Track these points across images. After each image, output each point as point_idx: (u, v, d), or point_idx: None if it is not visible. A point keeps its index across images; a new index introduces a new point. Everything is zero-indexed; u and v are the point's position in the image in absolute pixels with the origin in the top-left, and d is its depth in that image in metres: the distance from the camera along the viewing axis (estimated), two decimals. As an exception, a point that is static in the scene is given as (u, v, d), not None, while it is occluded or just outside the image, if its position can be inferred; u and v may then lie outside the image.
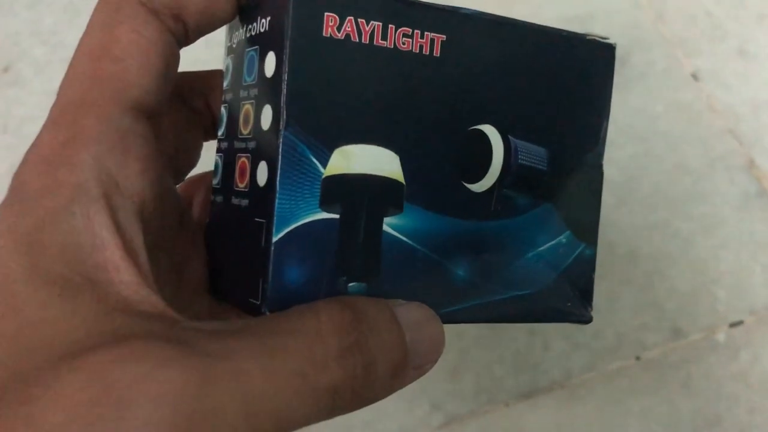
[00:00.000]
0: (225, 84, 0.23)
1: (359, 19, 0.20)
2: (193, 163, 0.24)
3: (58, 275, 0.17)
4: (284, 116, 0.19)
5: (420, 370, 0.20)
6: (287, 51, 0.19)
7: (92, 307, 0.16)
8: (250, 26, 0.21)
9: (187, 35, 0.20)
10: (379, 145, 0.20)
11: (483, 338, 0.40)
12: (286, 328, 0.18)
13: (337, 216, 0.20)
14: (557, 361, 0.40)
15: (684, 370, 0.40)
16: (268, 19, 0.20)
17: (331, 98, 0.19)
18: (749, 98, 0.44)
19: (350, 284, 0.20)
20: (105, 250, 0.17)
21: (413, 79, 0.20)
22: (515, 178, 0.22)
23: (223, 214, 0.22)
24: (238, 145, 0.21)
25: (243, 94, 0.21)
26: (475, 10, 0.21)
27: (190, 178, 0.25)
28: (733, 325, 0.41)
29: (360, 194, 0.20)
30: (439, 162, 0.21)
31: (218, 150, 0.23)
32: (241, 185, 0.21)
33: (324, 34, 0.19)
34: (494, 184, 0.22)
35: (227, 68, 0.23)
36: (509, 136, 0.22)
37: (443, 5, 0.21)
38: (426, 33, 0.20)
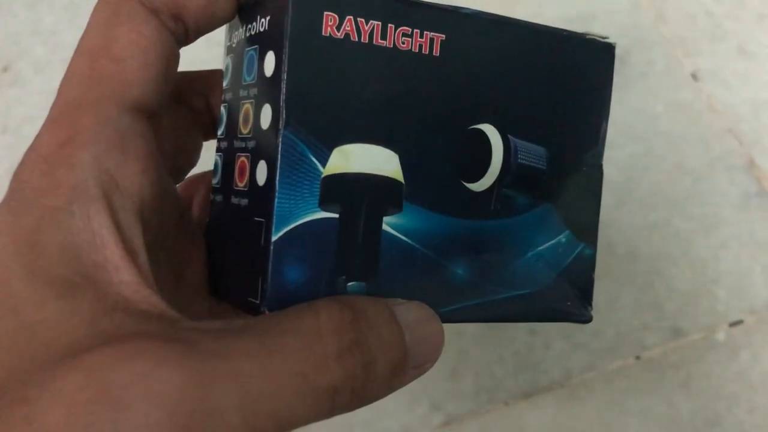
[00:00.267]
0: (225, 83, 0.23)
1: (359, 19, 0.20)
2: (192, 163, 0.24)
3: (57, 275, 0.17)
4: (284, 115, 0.19)
5: (419, 370, 0.20)
6: (286, 50, 0.19)
7: (91, 306, 0.16)
8: (249, 26, 0.21)
9: (187, 35, 0.20)
10: (378, 144, 0.20)
11: (483, 338, 0.40)
12: (286, 328, 0.18)
13: (336, 215, 0.20)
14: (557, 360, 0.40)
15: (684, 369, 0.40)
16: (268, 18, 0.20)
17: (331, 97, 0.19)
18: (749, 98, 0.44)
19: (349, 284, 0.20)
20: (104, 249, 0.17)
21: (413, 79, 0.20)
22: (515, 178, 0.22)
23: (222, 214, 0.22)
24: (237, 144, 0.21)
25: (243, 93, 0.21)
26: (474, 10, 0.21)
27: (190, 177, 0.25)
28: (733, 324, 0.41)
29: (359, 193, 0.20)
30: (439, 161, 0.21)
31: (218, 149, 0.23)
32: (241, 184, 0.21)
33: (323, 34, 0.19)
34: (494, 184, 0.21)
35: (227, 68, 0.23)
36: (509, 136, 0.22)
37: (443, 5, 0.21)
38: (426, 32, 0.20)
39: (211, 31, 0.21)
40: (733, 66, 0.45)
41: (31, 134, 0.19)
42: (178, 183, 0.24)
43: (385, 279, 0.20)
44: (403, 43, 0.20)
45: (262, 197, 0.20)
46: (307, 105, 0.19)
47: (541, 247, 0.22)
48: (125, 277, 0.17)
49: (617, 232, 0.42)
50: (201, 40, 0.22)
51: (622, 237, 0.42)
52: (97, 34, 0.19)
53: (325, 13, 0.19)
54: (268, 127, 0.20)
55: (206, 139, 0.24)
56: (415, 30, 0.20)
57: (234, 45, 0.22)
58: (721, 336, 0.40)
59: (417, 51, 0.20)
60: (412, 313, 0.20)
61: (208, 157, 0.24)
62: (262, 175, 0.20)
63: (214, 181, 0.23)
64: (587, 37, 0.23)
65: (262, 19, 0.20)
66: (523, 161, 0.22)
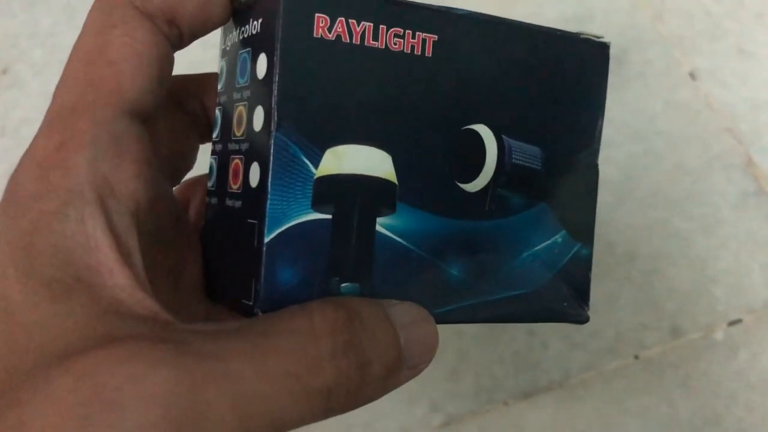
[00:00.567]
0: (219, 86, 0.23)
1: (350, 20, 0.20)
2: (189, 166, 0.24)
3: (51, 278, 0.17)
4: (275, 117, 0.19)
5: (414, 371, 0.20)
6: (278, 52, 0.19)
7: (85, 309, 0.16)
8: (243, 29, 0.21)
9: (182, 39, 0.20)
10: (371, 145, 0.20)
11: (482, 338, 0.40)
12: (279, 329, 0.18)
13: (329, 216, 0.20)
14: (556, 360, 0.40)
15: (683, 369, 0.40)
16: (260, 21, 0.20)
17: (323, 99, 0.19)
18: (747, 97, 0.44)
19: (343, 285, 0.20)
20: (99, 252, 0.17)
21: (405, 80, 0.20)
22: (509, 178, 0.22)
23: (217, 216, 0.22)
24: (231, 146, 0.21)
25: (236, 96, 0.21)
26: (467, 11, 0.21)
27: (187, 180, 0.25)
28: (731, 323, 0.41)
29: (352, 195, 0.20)
30: (433, 162, 0.21)
31: (213, 152, 0.23)
32: (235, 187, 0.21)
33: (315, 35, 0.19)
34: (488, 184, 0.21)
35: (221, 71, 0.23)
36: (503, 136, 0.22)
37: (435, 6, 0.21)
38: (418, 33, 0.20)
39: (206, 35, 0.21)
40: (731, 65, 0.45)
41: (29, 136, 0.19)
42: (174, 186, 0.24)
43: (379, 280, 0.20)
44: (395, 44, 0.20)
45: (254, 199, 0.20)
46: (299, 106, 0.19)
47: (536, 248, 0.22)
48: (119, 279, 0.17)
49: (616, 232, 0.42)
50: (198, 42, 0.22)
51: (621, 236, 0.42)
52: (91, 39, 0.19)
53: (317, 14, 0.19)
54: (260, 129, 0.20)
55: (202, 142, 0.25)
56: (407, 31, 0.20)
57: (228, 48, 0.22)
58: (719, 335, 0.40)
59: (409, 52, 0.20)
60: (406, 313, 0.20)
61: (204, 160, 0.24)
62: (254, 176, 0.20)
63: (209, 183, 0.23)
64: (581, 36, 0.23)
65: (255, 22, 0.21)
66: (518, 161, 0.22)
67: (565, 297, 0.23)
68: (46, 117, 0.19)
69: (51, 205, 0.17)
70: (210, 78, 0.24)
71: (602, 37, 0.23)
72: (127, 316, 0.17)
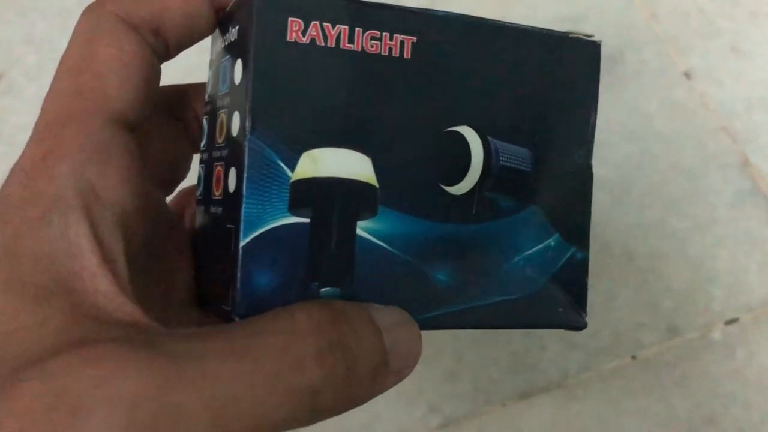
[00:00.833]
0: (206, 96, 0.23)
1: (324, 23, 0.20)
2: (182, 175, 0.24)
3: (32, 284, 0.17)
4: (249, 121, 0.19)
5: (399, 375, 0.20)
6: (251, 57, 0.19)
7: (64, 315, 0.16)
8: (224, 37, 0.21)
9: (168, 49, 0.21)
10: (350, 148, 0.20)
11: (479, 340, 0.40)
12: (258, 329, 0.18)
13: (307, 220, 0.20)
14: (554, 361, 0.40)
15: (680, 368, 0.40)
16: (237, 28, 0.20)
17: (298, 102, 0.19)
18: (742, 96, 0.44)
19: (322, 289, 0.20)
20: (81, 257, 0.17)
21: (384, 82, 0.20)
22: (497, 180, 0.21)
23: (204, 224, 0.22)
24: (215, 154, 0.21)
25: (219, 103, 0.21)
26: (448, 12, 0.21)
27: (183, 190, 0.25)
28: (728, 322, 0.41)
29: (330, 198, 0.20)
30: (415, 164, 0.21)
31: (200, 161, 0.23)
32: (217, 193, 0.21)
33: (288, 39, 0.19)
34: (474, 187, 0.21)
35: (209, 80, 0.23)
36: (489, 138, 0.21)
37: (413, 7, 0.21)
38: (395, 35, 0.20)
39: (192, 46, 0.21)
40: (726, 64, 0.45)
41: (25, 142, 0.19)
42: (169, 195, 0.24)
43: (361, 284, 0.20)
44: (372, 47, 0.20)
45: (232, 204, 0.20)
46: (274, 110, 0.19)
47: (528, 251, 0.22)
48: (101, 285, 0.17)
49: (613, 232, 0.42)
50: (195, 48, 0.22)
51: (617, 237, 0.42)
52: (78, 51, 0.19)
53: (290, 19, 0.19)
54: (237, 133, 0.20)
55: (195, 151, 0.25)
56: (384, 33, 0.20)
57: (214, 57, 0.23)
58: (717, 334, 0.40)
59: (387, 54, 0.20)
60: (389, 317, 0.20)
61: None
62: (232, 182, 0.20)
63: (198, 192, 0.23)
64: (570, 35, 0.22)
65: (233, 30, 0.21)
66: (506, 163, 0.21)
67: (560, 302, 0.22)
68: (35, 128, 0.19)
69: (35, 211, 0.17)
70: (202, 87, 0.24)
71: (593, 36, 0.23)
72: (105, 321, 0.17)
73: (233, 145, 0.20)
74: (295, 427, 0.17)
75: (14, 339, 0.16)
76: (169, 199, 0.25)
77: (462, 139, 0.21)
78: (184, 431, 0.15)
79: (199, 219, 0.23)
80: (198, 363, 0.16)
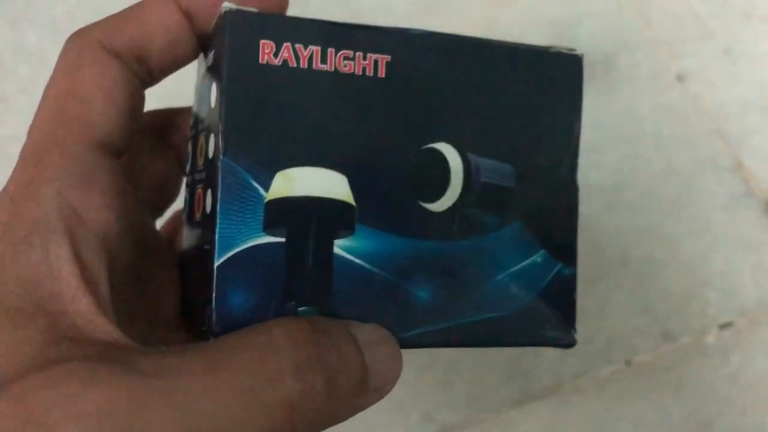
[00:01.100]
0: (191, 121, 0.23)
1: (296, 45, 0.20)
2: (172, 198, 0.25)
3: (12, 306, 0.17)
4: (221, 143, 0.19)
5: (380, 392, 0.20)
6: (224, 80, 0.19)
7: (42, 336, 0.17)
8: (205, 61, 0.21)
9: (152, 75, 0.21)
10: (325, 167, 0.20)
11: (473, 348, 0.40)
12: (233, 344, 0.17)
13: (283, 239, 0.20)
14: (548, 367, 0.40)
15: (675, 373, 0.40)
16: (213, 52, 0.20)
17: (272, 123, 0.19)
18: (735, 98, 0.44)
19: (300, 308, 0.20)
20: (61, 280, 0.17)
21: (358, 101, 0.20)
22: (479, 197, 0.21)
23: (188, 247, 0.22)
24: (197, 177, 0.21)
25: (201, 127, 0.22)
26: (424, 30, 0.21)
27: (176, 213, 0.25)
28: (723, 326, 0.40)
29: (305, 217, 0.20)
30: (393, 182, 0.20)
31: (185, 185, 0.23)
32: (198, 216, 0.21)
33: (261, 61, 0.19)
34: (455, 203, 0.21)
35: (194, 103, 0.23)
36: (469, 154, 0.21)
37: (386, 27, 0.21)
38: (369, 54, 0.20)
39: (175, 72, 0.22)
40: (718, 66, 0.45)
41: (16, 153, 0.19)
42: (158, 218, 0.25)
43: (339, 303, 0.20)
44: (345, 66, 0.20)
45: (208, 225, 0.20)
46: (247, 131, 0.19)
47: (513, 268, 0.22)
48: (80, 306, 0.17)
49: (607, 237, 0.42)
50: (191, 67, 0.22)
51: (611, 241, 0.42)
52: (62, 79, 0.20)
53: (262, 41, 0.19)
54: (212, 155, 0.20)
55: (184, 174, 0.25)
56: (357, 53, 0.20)
57: (198, 82, 0.23)
58: (711, 339, 0.40)
59: (360, 74, 0.20)
60: (368, 334, 0.20)
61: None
62: (209, 203, 0.20)
63: (183, 215, 0.23)
64: (551, 50, 0.22)
65: (210, 54, 0.21)
66: (487, 179, 0.21)
67: (547, 320, 0.22)
68: (20, 154, 0.19)
69: (18, 235, 0.18)
70: (190, 111, 0.24)
71: (574, 50, 0.22)
72: (82, 342, 0.17)
73: (210, 167, 0.20)
74: None
75: None
76: (163, 221, 0.25)
77: (440, 155, 0.21)
78: None
79: (184, 241, 0.23)
80: (169, 378, 0.16)
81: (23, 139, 0.20)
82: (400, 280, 0.21)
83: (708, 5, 0.46)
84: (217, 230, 0.19)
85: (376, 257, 0.20)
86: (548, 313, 0.22)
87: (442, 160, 0.21)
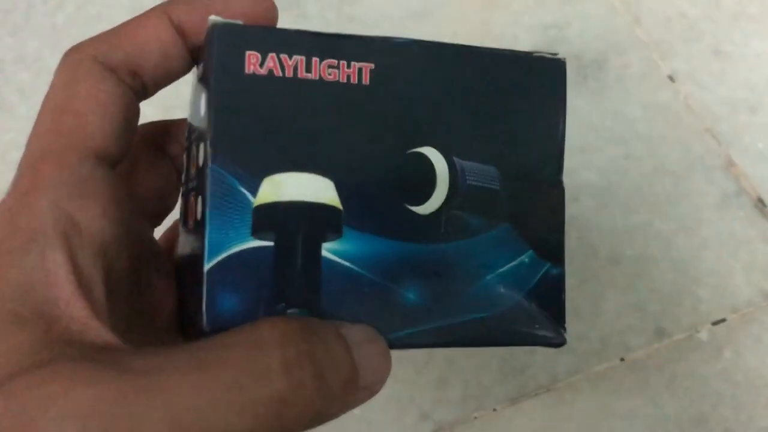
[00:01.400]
0: (186, 131, 0.24)
1: (281, 55, 0.20)
2: (170, 207, 0.25)
3: (8, 311, 0.17)
4: (209, 150, 0.20)
5: (369, 390, 0.20)
6: (211, 90, 0.20)
7: (35, 339, 0.17)
8: (197, 72, 0.22)
9: (146, 89, 0.22)
10: (312, 172, 0.20)
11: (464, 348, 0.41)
12: (222, 342, 0.18)
13: (272, 243, 0.20)
14: (543, 365, 0.40)
15: (668, 370, 0.40)
16: (202, 63, 0.21)
17: (259, 130, 0.20)
18: (726, 97, 0.44)
19: (289, 310, 0.20)
20: (57, 286, 0.18)
21: (343, 108, 0.21)
22: (465, 199, 0.22)
23: (183, 254, 0.23)
24: (190, 185, 0.22)
25: (194, 136, 0.22)
26: (407, 39, 0.21)
27: (175, 222, 0.26)
28: (715, 323, 0.41)
29: (292, 221, 0.20)
30: (379, 186, 0.21)
31: (181, 194, 0.24)
32: (191, 223, 0.22)
33: (246, 72, 0.20)
34: (441, 206, 0.21)
35: (189, 115, 0.24)
36: (454, 158, 0.22)
37: (370, 35, 0.21)
38: (353, 63, 0.21)
39: (169, 85, 0.22)
40: (709, 66, 0.45)
41: (17, 160, 0.20)
42: (157, 226, 0.25)
43: (328, 305, 0.20)
44: (330, 75, 0.21)
45: (200, 231, 0.20)
46: (234, 139, 0.20)
47: (501, 269, 0.22)
48: (75, 311, 0.18)
49: (599, 235, 0.42)
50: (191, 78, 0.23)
51: (603, 240, 0.42)
52: (59, 93, 0.20)
53: (247, 52, 0.20)
54: (202, 163, 0.20)
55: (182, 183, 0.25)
56: (341, 61, 0.21)
57: (192, 94, 0.23)
58: (704, 335, 0.41)
59: (345, 81, 0.21)
60: (357, 333, 0.20)
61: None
62: (200, 209, 0.20)
63: (180, 223, 0.24)
64: (534, 55, 0.23)
65: (200, 65, 0.22)
66: (473, 182, 0.22)
67: (536, 319, 0.22)
68: (18, 166, 0.20)
69: (14, 244, 0.18)
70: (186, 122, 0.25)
71: (557, 54, 0.23)
72: (75, 345, 0.17)
73: (200, 174, 0.21)
74: None
75: None
76: (161, 230, 0.25)
77: (426, 159, 0.21)
78: None
79: (180, 249, 0.23)
80: (157, 376, 0.16)
81: (24, 145, 0.20)
82: (388, 282, 0.21)
83: (698, 6, 0.46)
84: (206, 235, 0.20)
85: (365, 260, 0.21)
86: (537, 313, 0.22)
87: (427, 164, 0.21)
